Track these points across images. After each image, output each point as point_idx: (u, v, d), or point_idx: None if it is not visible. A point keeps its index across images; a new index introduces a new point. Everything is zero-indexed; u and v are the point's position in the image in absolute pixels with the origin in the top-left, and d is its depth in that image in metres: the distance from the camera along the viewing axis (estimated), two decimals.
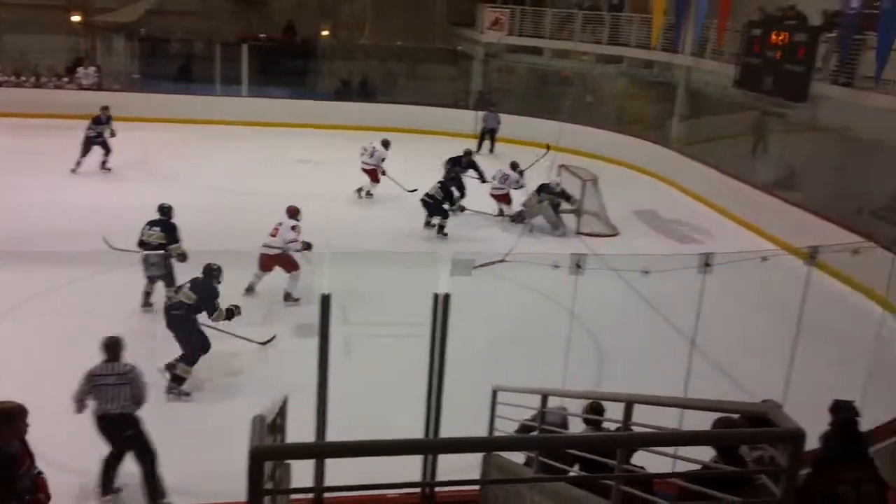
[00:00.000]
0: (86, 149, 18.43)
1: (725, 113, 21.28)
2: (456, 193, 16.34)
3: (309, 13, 31.31)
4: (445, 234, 15.59)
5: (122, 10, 28.61)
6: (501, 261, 13.68)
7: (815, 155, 17.35)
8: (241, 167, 19.71)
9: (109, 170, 18.77)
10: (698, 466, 4.33)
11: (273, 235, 12.03)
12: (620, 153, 22.39)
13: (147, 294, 11.34)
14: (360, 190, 17.84)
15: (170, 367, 9.37)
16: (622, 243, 15.76)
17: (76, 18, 28.55)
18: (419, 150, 20.73)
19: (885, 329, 9.75)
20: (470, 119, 24.90)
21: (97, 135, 18.56)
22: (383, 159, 17.69)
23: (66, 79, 25.37)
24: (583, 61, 25.52)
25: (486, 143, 23.42)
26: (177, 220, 11.73)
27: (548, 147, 17.94)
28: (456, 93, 28.55)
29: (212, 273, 9.78)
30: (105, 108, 19.07)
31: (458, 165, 17.53)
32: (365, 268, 13.04)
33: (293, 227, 12.01)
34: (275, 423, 5.17)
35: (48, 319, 10.83)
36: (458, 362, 6.88)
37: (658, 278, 8.95)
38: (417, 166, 18.17)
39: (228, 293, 11.29)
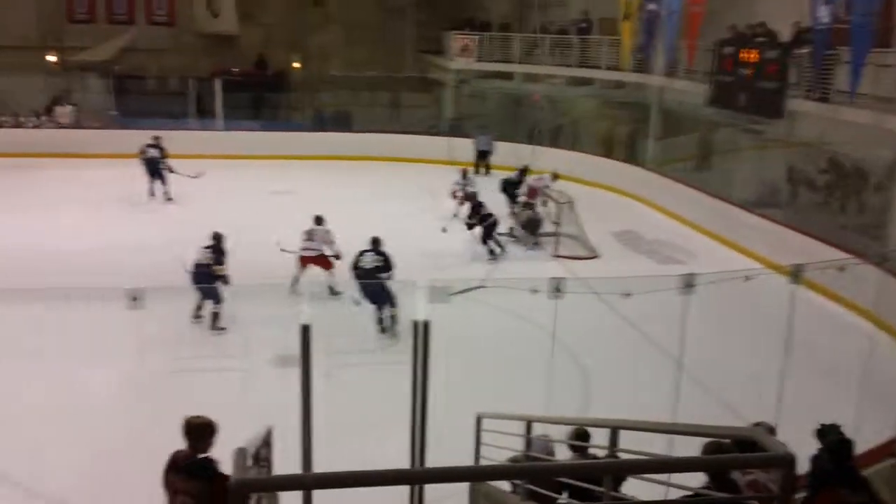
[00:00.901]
0: (155, 174, 19.40)
1: (700, 131, 21.36)
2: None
3: (279, 46, 31.42)
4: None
5: (96, 49, 28.73)
6: (479, 287, 13.58)
7: (794, 171, 17.40)
8: (218, 201, 19.54)
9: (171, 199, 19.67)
10: (689, 492, 4.23)
11: (310, 240, 13.77)
12: (596, 175, 22.42)
13: (198, 307, 12.42)
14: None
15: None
16: (602, 265, 15.69)
17: (52, 58, 28.61)
18: (395, 176, 20.72)
19: (875, 346, 9.70)
20: (443, 145, 24.94)
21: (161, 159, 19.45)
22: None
23: (44, 118, 25.35)
24: (553, 84, 25.61)
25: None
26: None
27: None
28: (428, 119, 28.63)
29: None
30: (158, 138, 19.83)
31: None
32: (345, 297, 12.99)
33: (328, 231, 13.90)
34: (259, 455, 5.05)
35: (28, 357, 10.71)
36: (441, 389, 6.76)
37: (640, 300, 8.87)
38: (395, 192, 18.15)
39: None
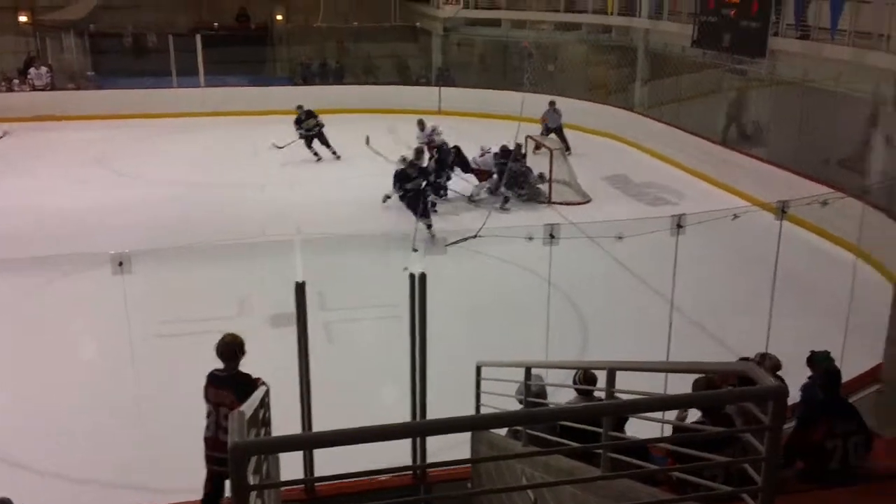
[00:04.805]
0: (310, 145, 19.25)
1: (686, 73, 21.29)
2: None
3: None
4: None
5: (70, 7, 28.06)
6: (475, 236, 13.64)
7: (779, 109, 17.43)
8: (204, 158, 19.47)
9: (339, 157, 19.45)
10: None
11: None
12: (585, 120, 22.36)
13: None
14: None
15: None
16: (595, 210, 15.77)
17: (23, 18, 28.03)
18: (384, 128, 20.61)
19: (859, 278, 9.84)
20: (433, 95, 24.85)
21: (307, 131, 19.14)
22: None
23: (16, 81, 24.92)
24: (541, 30, 25.43)
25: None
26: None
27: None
28: (418, 70, 28.42)
29: None
30: (300, 107, 19.39)
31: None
32: (339, 252, 13.03)
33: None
34: (257, 416, 5.13)
35: (14, 327, 10.77)
36: (439, 340, 6.87)
37: (633, 242, 8.98)
38: (384, 145, 18.12)
39: (203, 287, 11.25)
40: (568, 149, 19.69)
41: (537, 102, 19.80)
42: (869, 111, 14.50)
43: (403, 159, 14.63)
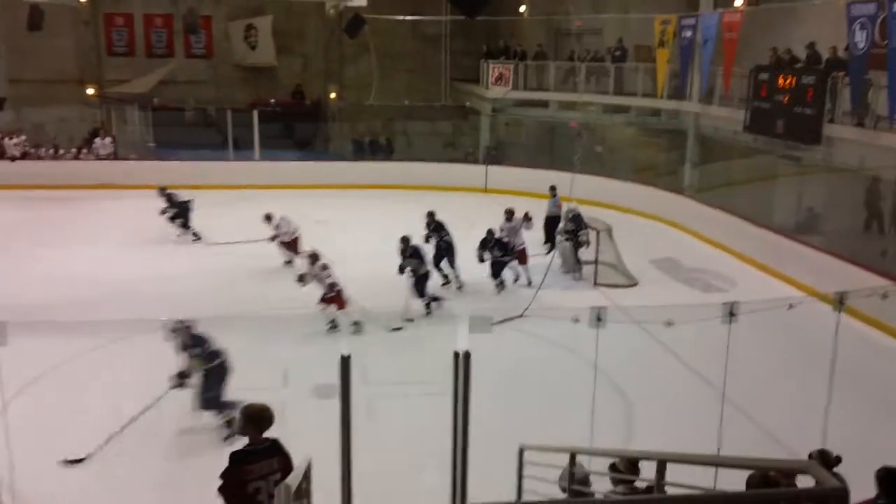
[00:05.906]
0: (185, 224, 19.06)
1: (738, 158, 21.17)
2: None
3: (316, 77, 31.83)
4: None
5: (135, 82, 29.41)
6: (520, 316, 13.55)
7: (834, 197, 17.11)
8: (257, 231, 19.64)
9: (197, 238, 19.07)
10: None
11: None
12: (633, 202, 22.30)
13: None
14: None
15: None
16: (641, 293, 15.52)
17: (90, 91, 29.21)
18: (433, 205, 20.67)
19: None
20: (481, 173, 25.02)
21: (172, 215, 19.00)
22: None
23: (83, 150, 25.79)
24: (590, 111, 25.58)
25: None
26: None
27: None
28: (466, 148, 28.74)
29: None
30: (162, 189, 19.36)
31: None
32: (383, 328, 12.99)
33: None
34: (300, 489, 5.05)
35: (72, 387, 10.92)
36: (482, 421, 6.70)
37: (682, 329, 8.78)
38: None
39: (246, 356, 11.24)
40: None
41: (585, 183, 19.74)
42: None
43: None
